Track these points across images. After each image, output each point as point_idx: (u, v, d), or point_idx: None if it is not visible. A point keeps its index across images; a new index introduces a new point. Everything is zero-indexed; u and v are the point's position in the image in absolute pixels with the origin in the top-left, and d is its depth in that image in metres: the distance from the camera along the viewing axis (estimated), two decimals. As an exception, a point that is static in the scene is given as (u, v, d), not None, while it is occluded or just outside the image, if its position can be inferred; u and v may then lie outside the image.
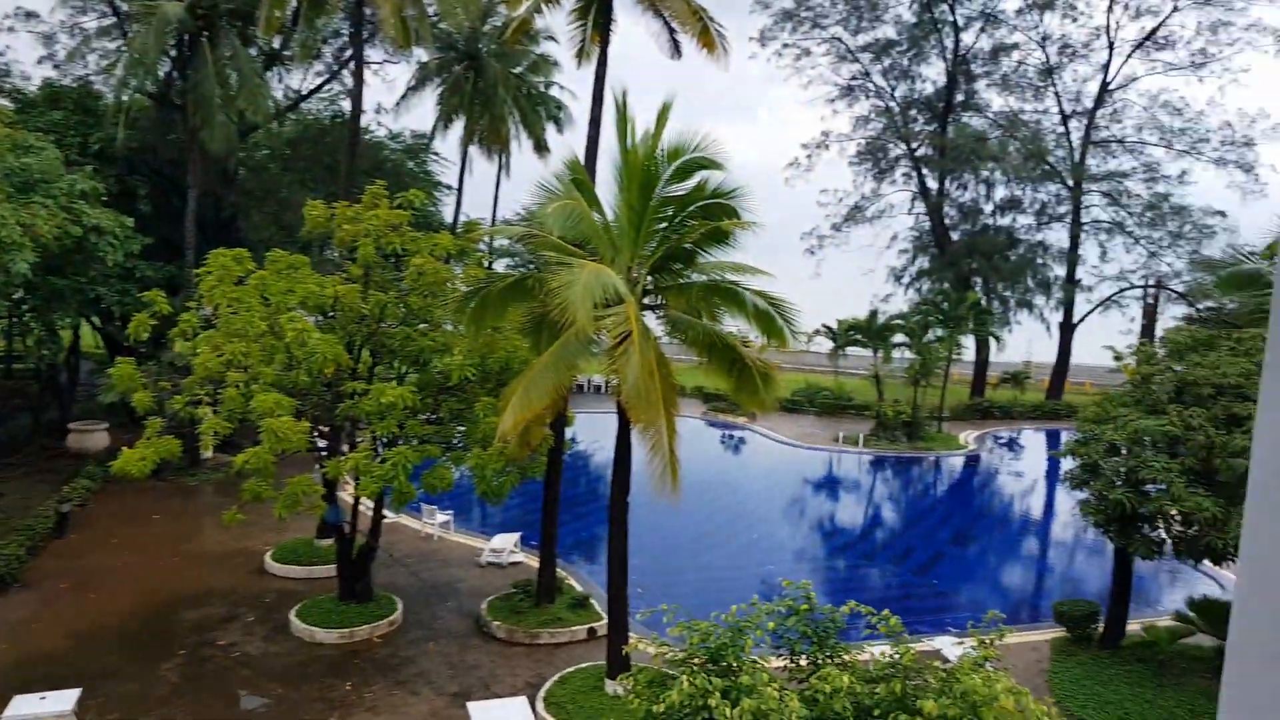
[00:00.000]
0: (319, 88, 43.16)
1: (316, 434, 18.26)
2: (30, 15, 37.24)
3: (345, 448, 18.49)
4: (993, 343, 54.83)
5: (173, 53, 32.59)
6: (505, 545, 24.18)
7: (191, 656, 17.75)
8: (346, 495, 22.79)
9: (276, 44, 37.36)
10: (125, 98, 30.88)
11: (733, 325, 16.25)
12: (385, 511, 20.39)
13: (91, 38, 36.44)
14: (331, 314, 18.10)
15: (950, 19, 58.47)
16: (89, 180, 26.37)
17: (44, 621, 19.03)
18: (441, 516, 26.31)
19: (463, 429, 18.41)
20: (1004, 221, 60.42)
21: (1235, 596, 1.41)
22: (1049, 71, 57.93)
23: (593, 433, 41.01)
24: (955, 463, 44.26)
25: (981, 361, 58.25)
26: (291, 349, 16.43)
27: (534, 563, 22.05)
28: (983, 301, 51.74)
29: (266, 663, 17.64)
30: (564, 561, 22.84)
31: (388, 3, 24.90)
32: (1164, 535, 17.70)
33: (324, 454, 18.52)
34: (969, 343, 52.72)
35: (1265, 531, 1.43)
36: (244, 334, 16.62)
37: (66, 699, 9.56)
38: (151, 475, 17.38)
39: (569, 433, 21.91)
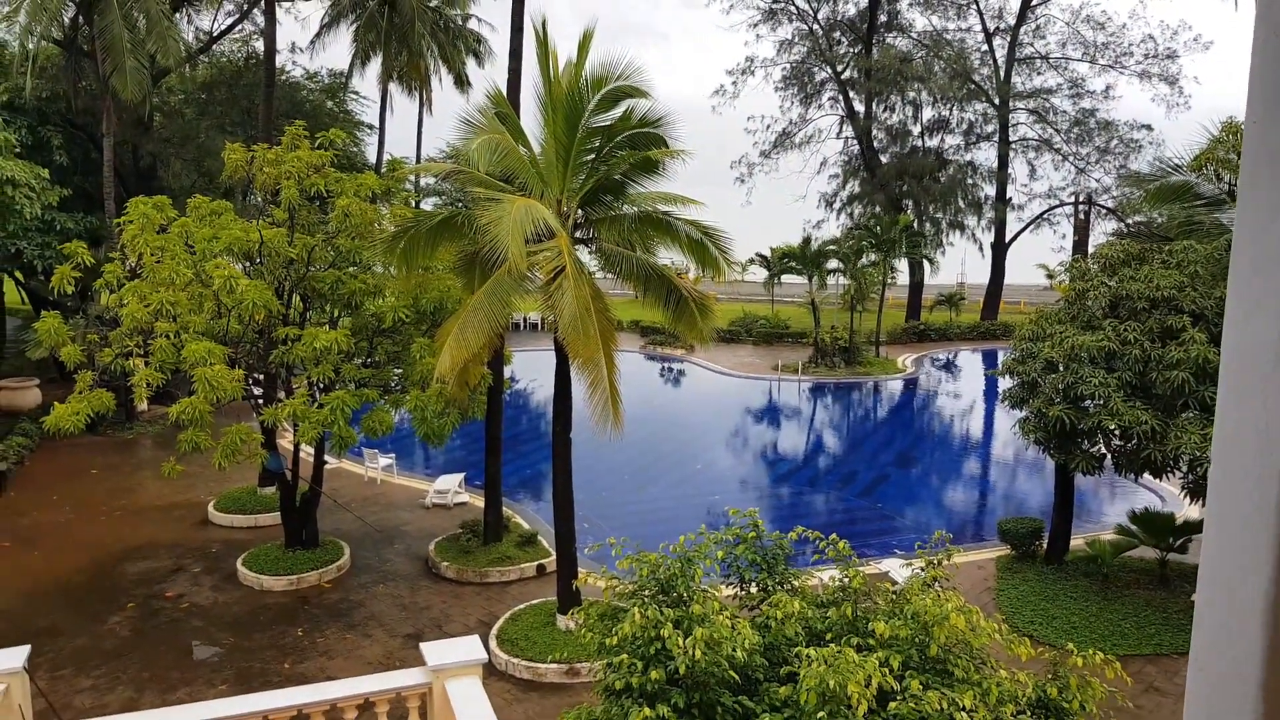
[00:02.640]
0: (230, 28, 41.61)
1: (251, 381, 18.04)
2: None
3: (281, 395, 18.29)
4: (926, 265, 55.69)
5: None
6: (450, 486, 24.28)
7: (140, 609, 17.65)
8: (286, 443, 22.60)
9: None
10: (31, 45, 29.44)
11: (668, 258, 16.31)
12: (326, 457, 20.31)
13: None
14: (259, 260, 17.74)
15: (871, -63, 58.11)
16: (1, 132, 25.31)
17: (-17, 585, 18.74)
18: (384, 460, 26.26)
19: (399, 371, 18.33)
20: (932, 143, 60.95)
21: (1206, 514, 1.38)
22: (972, -13, 58.05)
23: (532, 370, 40.98)
24: (894, 386, 45.20)
25: (916, 284, 59.19)
26: (220, 296, 16.12)
27: (479, 502, 22.18)
28: (915, 224, 52.40)
29: (216, 612, 17.64)
30: (510, 500, 23.02)
31: (297, -65, 23.82)
32: (1103, 450, 17.75)
33: (260, 402, 18.33)
34: (903, 266, 53.52)
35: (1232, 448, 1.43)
36: (170, 283, 16.23)
37: (16, 656, 9.49)
38: (87, 430, 17.06)
39: (507, 371, 21.93)
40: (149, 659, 15.69)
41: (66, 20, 31.85)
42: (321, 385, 17.36)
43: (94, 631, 16.67)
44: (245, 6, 41.05)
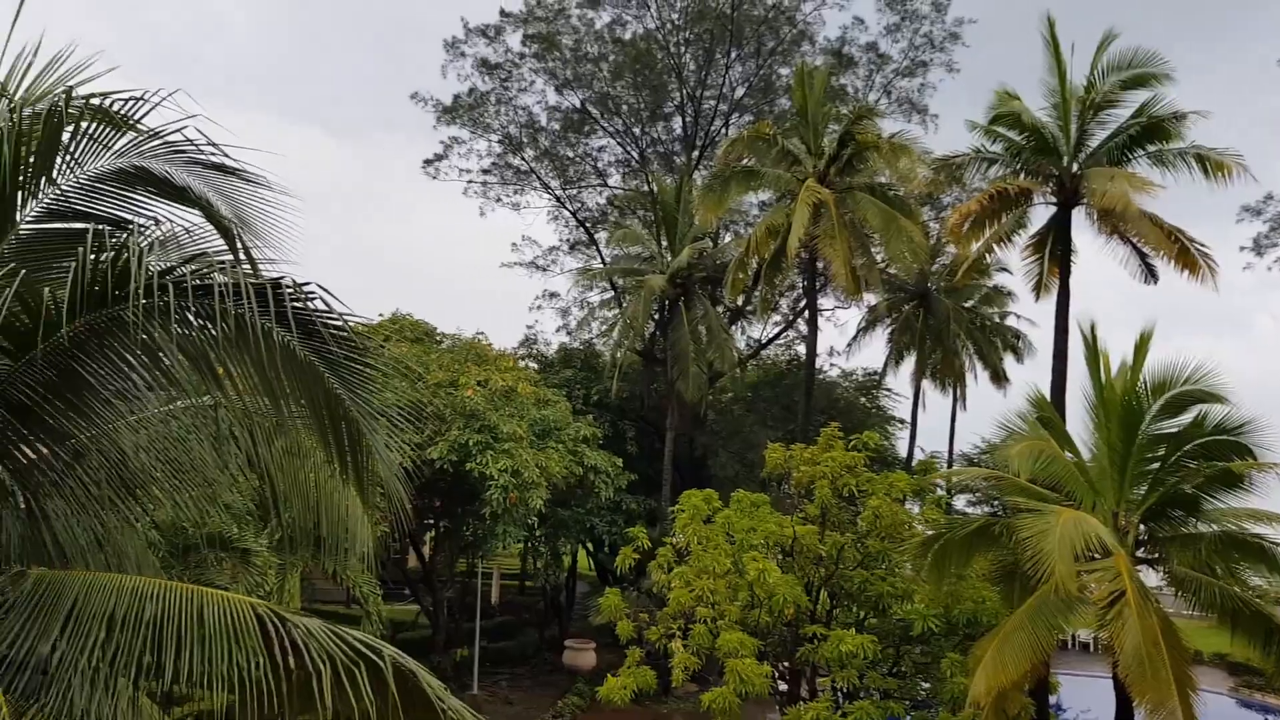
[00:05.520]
0: (776, 336, 46.46)
1: (776, 674, 18.13)
2: (552, 295, 45.85)
3: (804, 693, 18.07)
4: None
5: (655, 316, 37.46)
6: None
7: None
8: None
9: (740, 301, 41.33)
10: (619, 355, 35.84)
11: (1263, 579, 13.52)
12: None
13: (595, 309, 43.66)
14: (790, 555, 18.31)
15: None
16: (590, 427, 30.46)
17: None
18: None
19: (927, 686, 17.16)
20: None
21: None
22: None
23: (1081, 698, 35.71)
24: None
25: None
26: (754, 588, 16.77)
27: None
28: None
29: None
30: None
31: (838, 257, 26.35)
32: None
33: (784, 697, 18.26)
34: None
35: None
36: (711, 571, 17.35)
37: None
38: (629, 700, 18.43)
39: (1052, 699, 19.43)
40: None
41: (646, 335, 38.43)
42: (844, 690, 16.82)
43: None
44: (790, 317, 45.82)
